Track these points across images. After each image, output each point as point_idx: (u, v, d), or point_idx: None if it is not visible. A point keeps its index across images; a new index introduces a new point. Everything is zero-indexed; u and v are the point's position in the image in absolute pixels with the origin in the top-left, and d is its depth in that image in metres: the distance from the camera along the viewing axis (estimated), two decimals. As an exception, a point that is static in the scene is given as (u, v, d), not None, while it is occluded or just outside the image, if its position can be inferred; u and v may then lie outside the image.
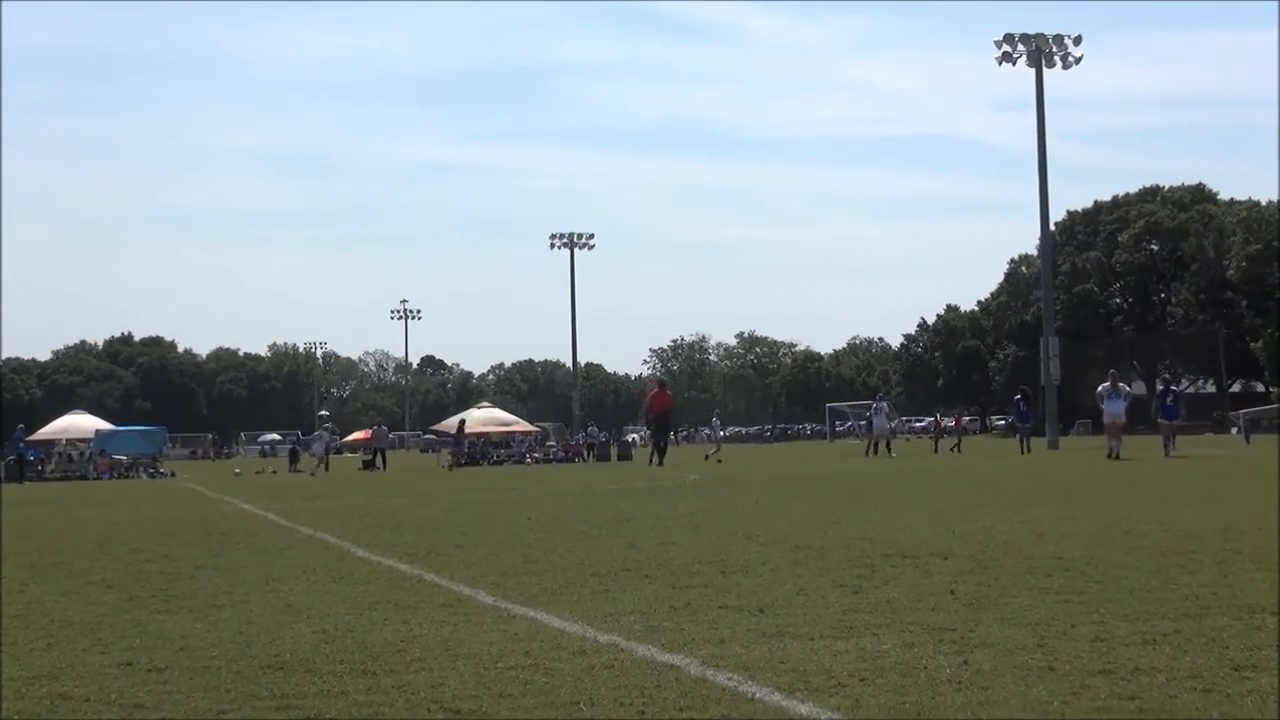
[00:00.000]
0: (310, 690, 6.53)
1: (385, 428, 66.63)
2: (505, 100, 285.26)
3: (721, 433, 57.54)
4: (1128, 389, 41.42)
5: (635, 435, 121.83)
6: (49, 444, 65.41)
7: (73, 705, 6.37)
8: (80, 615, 9.46)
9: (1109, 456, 37.01)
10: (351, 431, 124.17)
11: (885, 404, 53.69)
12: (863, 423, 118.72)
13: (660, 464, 41.55)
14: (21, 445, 55.51)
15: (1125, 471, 29.33)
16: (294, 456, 63.01)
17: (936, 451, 51.66)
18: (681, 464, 44.21)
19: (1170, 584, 9.38)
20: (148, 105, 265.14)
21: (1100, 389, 40.41)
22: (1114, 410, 39.33)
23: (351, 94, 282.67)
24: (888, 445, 50.68)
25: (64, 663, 7.50)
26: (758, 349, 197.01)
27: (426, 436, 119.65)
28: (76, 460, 60.85)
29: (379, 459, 55.71)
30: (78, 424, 70.55)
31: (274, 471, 57.85)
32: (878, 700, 5.97)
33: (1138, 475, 27.25)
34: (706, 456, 50.75)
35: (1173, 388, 48.43)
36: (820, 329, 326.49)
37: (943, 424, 70.32)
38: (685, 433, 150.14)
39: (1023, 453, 46.73)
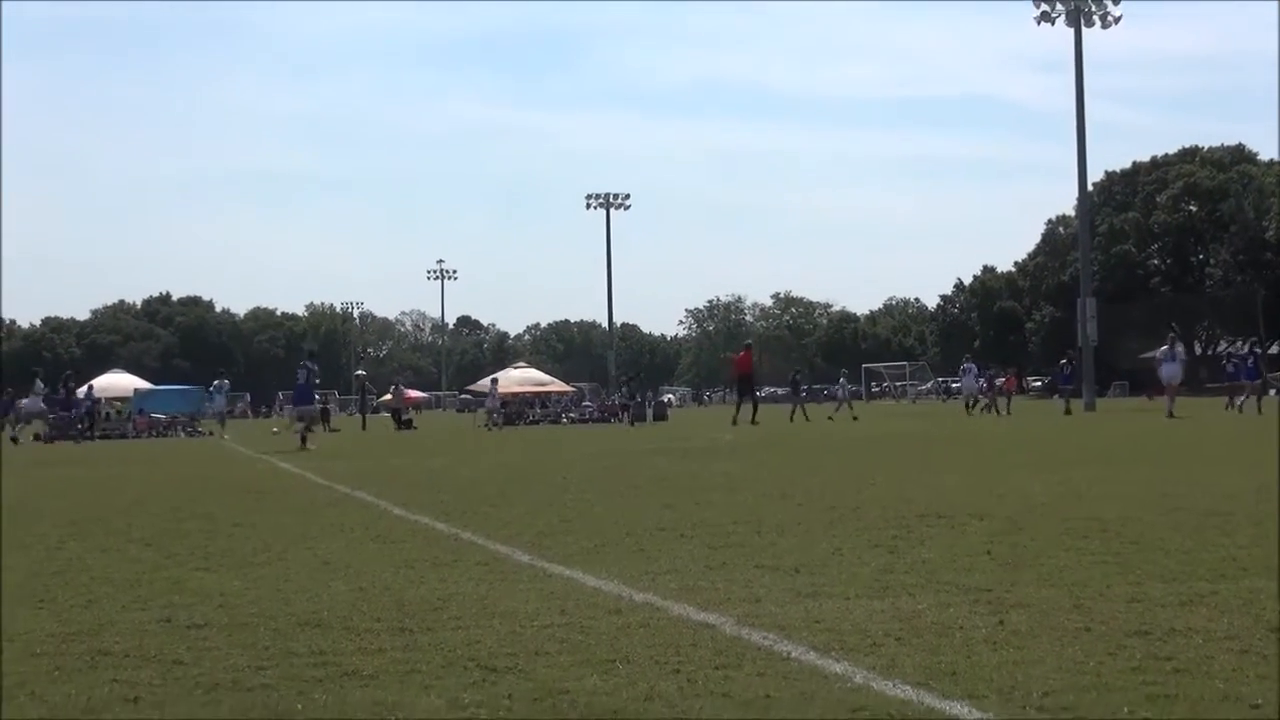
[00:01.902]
0: (348, 647, 6.57)
1: (402, 386, 68.29)
2: (541, 63, 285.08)
3: (849, 390, 59.82)
4: (1183, 354, 42.84)
5: (671, 396, 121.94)
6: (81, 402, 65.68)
7: (112, 661, 6.42)
8: (119, 572, 9.52)
9: (1169, 415, 37.85)
10: (387, 392, 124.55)
11: (973, 364, 55.80)
12: (900, 384, 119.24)
13: (754, 422, 42.22)
14: (89, 404, 56.25)
15: (1162, 433, 29.22)
16: (325, 416, 63.35)
17: (990, 411, 52.06)
18: (771, 421, 44.25)
19: (1207, 546, 9.34)
20: (188, 70, 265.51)
21: (1159, 352, 42.17)
22: (1170, 372, 41.37)
23: (388, 58, 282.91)
24: (970, 403, 53.44)
25: (104, 619, 7.55)
26: (793, 309, 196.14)
27: (463, 396, 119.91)
28: (115, 419, 61.12)
29: (398, 417, 57.55)
30: (116, 383, 70.86)
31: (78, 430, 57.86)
32: (913, 660, 5.97)
33: (1175, 437, 27.14)
34: (854, 417, 52.38)
35: (1255, 350, 48.69)
36: (856, 290, 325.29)
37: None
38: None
39: (1066, 413, 47.02)
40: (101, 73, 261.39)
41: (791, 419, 47.79)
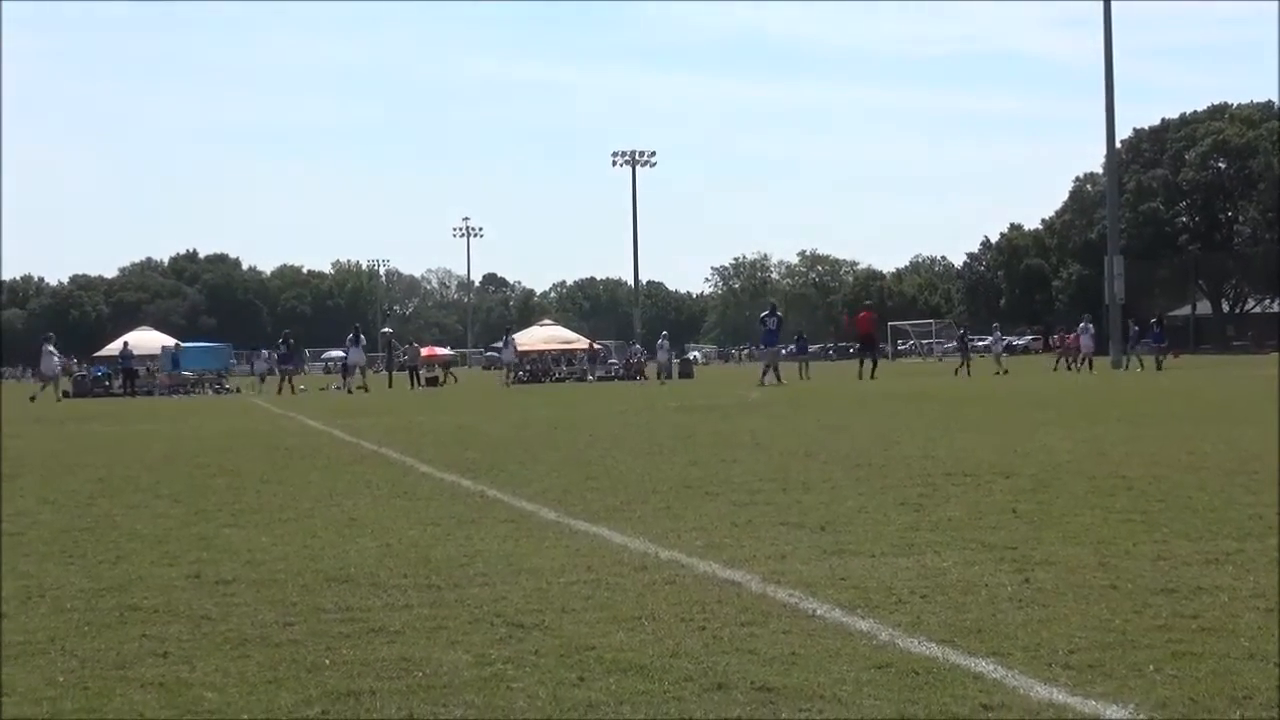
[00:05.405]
0: (375, 603, 6.60)
1: (416, 345, 69.36)
2: (569, 17, 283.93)
3: (1002, 344, 60.72)
4: None
5: (696, 354, 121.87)
6: (114, 360, 66.00)
7: (141, 616, 6.47)
8: (148, 528, 9.58)
9: None
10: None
11: (1091, 325, 55.90)
12: (951, 343, 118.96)
13: (873, 377, 43.95)
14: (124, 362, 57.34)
15: (1187, 391, 29.11)
16: (346, 371, 63.83)
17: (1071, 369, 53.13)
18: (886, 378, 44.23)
19: (1233, 504, 9.33)
20: (214, 23, 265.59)
21: None
22: None
23: (417, 12, 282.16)
24: (1090, 363, 53.78)
25: (133, 575, 7.61)
26: (819, 267, 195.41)
27: (488, 354, 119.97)
28: (143, 376, 61.32)
29: (416, 375, 58.13)
30: (144, 340, 71.08)
31: (337, 388, 58.27)
32: (938, 617, 5.98)
33: (1203, 395, 27.03)
34: (1001, 370, 52.92)
35: None
36: (883, 247, 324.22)
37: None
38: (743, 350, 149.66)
39: (1158, 369, 48.49)
40: (128, 28, 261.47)
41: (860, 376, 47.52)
